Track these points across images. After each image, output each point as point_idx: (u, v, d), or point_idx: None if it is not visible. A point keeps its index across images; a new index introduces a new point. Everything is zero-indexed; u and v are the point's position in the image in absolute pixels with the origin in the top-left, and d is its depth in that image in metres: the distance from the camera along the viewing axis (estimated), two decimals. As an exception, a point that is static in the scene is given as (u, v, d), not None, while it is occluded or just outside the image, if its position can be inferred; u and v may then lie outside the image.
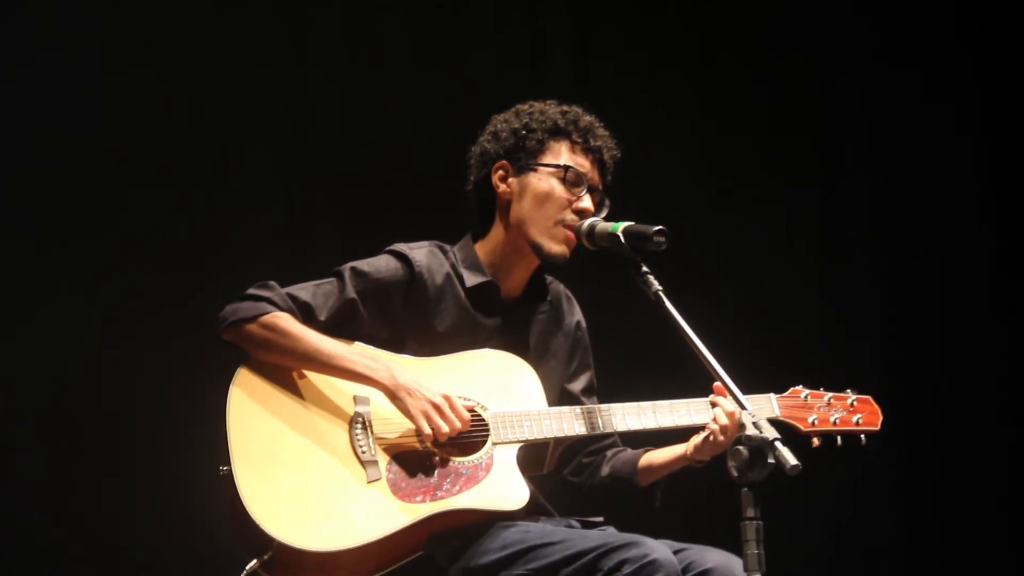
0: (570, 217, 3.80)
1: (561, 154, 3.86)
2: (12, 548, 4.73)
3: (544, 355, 3.92)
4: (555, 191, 3.82)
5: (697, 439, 3.79)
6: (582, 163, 3.85)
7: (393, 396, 3.62)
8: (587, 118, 3.91)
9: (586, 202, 3.81)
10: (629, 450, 3.98)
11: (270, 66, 5.30)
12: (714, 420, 3.73)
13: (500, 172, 3.89)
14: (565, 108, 3.92)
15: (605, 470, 3.95)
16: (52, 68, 4.93)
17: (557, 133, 3.87)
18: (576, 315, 4.04)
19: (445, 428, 3.59)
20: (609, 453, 3.98)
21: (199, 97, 5.11)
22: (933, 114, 5.99)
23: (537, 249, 3.83)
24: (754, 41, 5.95)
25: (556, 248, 3.82)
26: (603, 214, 3.82)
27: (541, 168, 3.84)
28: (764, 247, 5.85)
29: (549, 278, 4.00)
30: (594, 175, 3.86)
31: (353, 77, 5.41)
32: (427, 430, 3.59)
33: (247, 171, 5.20)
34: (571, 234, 3.80)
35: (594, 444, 3.98)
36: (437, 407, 3.60)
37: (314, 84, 5.37)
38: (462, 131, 4.07)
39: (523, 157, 3.86)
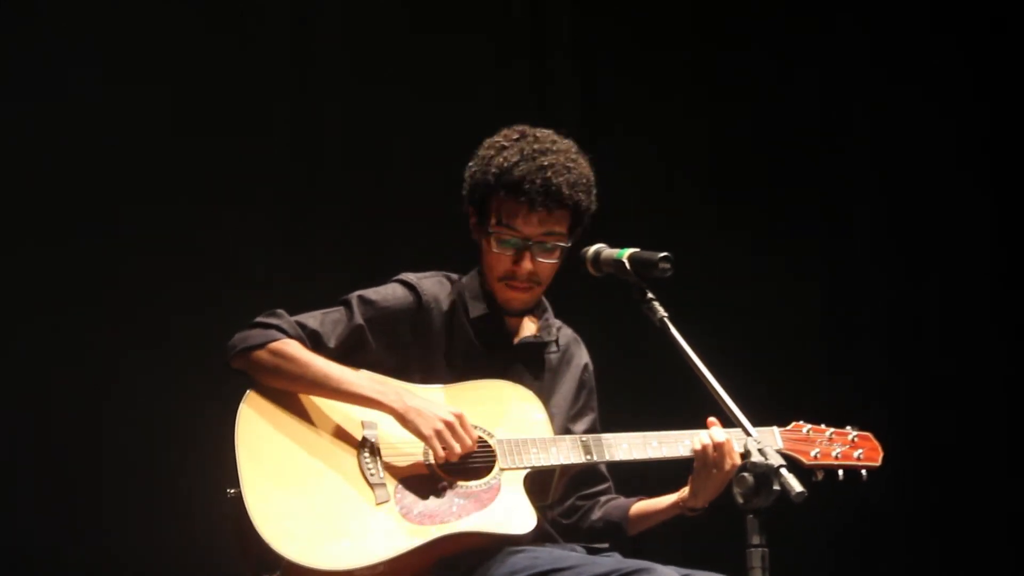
0: (510, 275, 3.78)
1: (499, 211, 3.77)
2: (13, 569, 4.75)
3: (549, 392, 3.91)
4: (494, 253, 3.79)
5: (688, 485, 3.77)
6: (515, 220, 3.74)
7: (403, 419, 3.62)
8: (524, 166, 3.73)
9: (524, 263, 3.76)
10: (622, 498, 3.98)
11: (276, 97, 5.33)
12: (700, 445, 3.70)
13: (472, 218, 3.87)
14: (505, 150, 3.77)
15: (597, 514, 3.95)
16: (54, 78, 4.96)
17: (496, 188, 3.76)
18: (584, 357, 4.03)
19: (457, 448, 3.59)
20: (603, 499, 3.98)
21: (203, 120, 5.14)
22: (937, 137, 6.02)
23: (492, 298, 3.84)
24: (758, 70, 5.98)
25: (504, 299, 3.82)
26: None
27: (488, 225, 3.80)
28: (767, 275, 5.87)
29: (558, 322, 3.99)
30: (532, 228, 3.75)
31: (358, 106, 5.45)
32: (440, 450, 3.59)
33: (252, 199, 5.23)
34: (517, 293, 3.79)
35: (589, 488, 3.98)
36: (449, 425, 3.60)
37: (318, 115, 5.41)
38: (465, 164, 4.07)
39: (477, 208, 3.83)
